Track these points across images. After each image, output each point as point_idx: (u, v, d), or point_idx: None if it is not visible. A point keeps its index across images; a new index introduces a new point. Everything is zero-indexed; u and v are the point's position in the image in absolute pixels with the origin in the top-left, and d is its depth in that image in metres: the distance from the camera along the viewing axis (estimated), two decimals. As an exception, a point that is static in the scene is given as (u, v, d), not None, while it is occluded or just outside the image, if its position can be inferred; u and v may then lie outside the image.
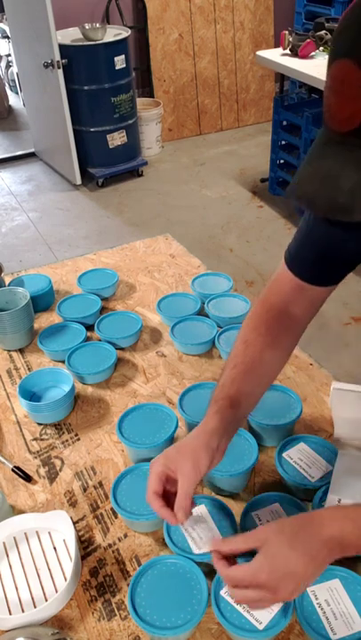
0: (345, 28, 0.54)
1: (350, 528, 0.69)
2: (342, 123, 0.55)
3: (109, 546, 0.93)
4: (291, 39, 3.31)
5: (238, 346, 0.90)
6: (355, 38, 0.52)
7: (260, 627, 0.76)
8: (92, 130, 4.00)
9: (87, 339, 1.34)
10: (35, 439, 1.13)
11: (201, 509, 0.91)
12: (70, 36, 3.87)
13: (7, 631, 0.80)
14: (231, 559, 0.75)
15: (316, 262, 0.86)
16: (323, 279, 0.87)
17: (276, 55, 3.39)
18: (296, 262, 0.88)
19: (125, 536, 0.94)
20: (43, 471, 1.06)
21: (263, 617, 0.77)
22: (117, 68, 3.84)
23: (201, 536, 0.87)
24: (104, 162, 4.14)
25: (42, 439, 1.13)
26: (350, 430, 1.06)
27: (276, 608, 0.78)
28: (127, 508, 0.93)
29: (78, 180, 4.12)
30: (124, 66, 3.87)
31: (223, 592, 0.81)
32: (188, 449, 0.80)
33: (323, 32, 3.30)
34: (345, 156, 0.56)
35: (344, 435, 1.06)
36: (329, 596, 0.80)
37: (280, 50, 3.42)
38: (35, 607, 0.84)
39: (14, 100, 5.90)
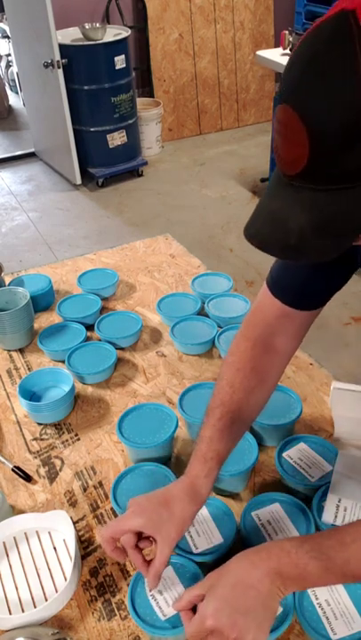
0: (289, 68, 0.53)
1: (287, 560, 0.68)
2: (288, 165, 0.54)
3: (109, 546, 0.93)
4: (291, 39, 3.31)
5: (225, 389, 0.86)
6: (296, 82, 0.51)
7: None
8: (92, 130, 4.00)
9: (87, 338, 1.34)
10: (35, 439, 1.13)
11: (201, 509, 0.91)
12: (70, 35, 3.87)
13: (7, 631, 0.80)
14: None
15: (301, 287, 0.83)
16: (309, 304, 0.84)
17: (276, 55, 3.39)
18: (279, 288, 0.85)
19: (125, 536, 0.94)
20: (43, 471, 1.06)
21: None
22: (117, 67, 3.84)
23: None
24: (104, 162, 4.14)
25: (42, 439, 1.13)
26: (350, 429, 1.06)
27: None
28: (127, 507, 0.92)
29: (78, 180, 4.12)
30: (124, 66, 3.87)
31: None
32: (178, 515, 0.76)
33: (323, 32, 3.29)
34: (293, 197, 0.55)
35: (344, 434, 1.06)
36: (329, 595, 0.80)
37: (280, 50, 3.42)
38: (35, 607, 0.84)
39: (14, 100, 5.90)
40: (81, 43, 3.77)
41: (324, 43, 0.49)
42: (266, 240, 0.59)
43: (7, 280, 1.51)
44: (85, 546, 0.93)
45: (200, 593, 0.72)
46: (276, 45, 3.93)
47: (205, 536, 0.87)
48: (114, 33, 3.91)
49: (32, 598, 0.85)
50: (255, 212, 0.62)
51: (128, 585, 0.84)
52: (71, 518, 0.93)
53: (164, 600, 0.80)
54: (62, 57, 3.62)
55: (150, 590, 0.79)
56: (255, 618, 0.67)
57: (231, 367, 0.87)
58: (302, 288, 0.83)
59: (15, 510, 0.99)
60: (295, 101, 0.51)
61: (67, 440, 1.12)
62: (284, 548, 0.69)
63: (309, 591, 0.80)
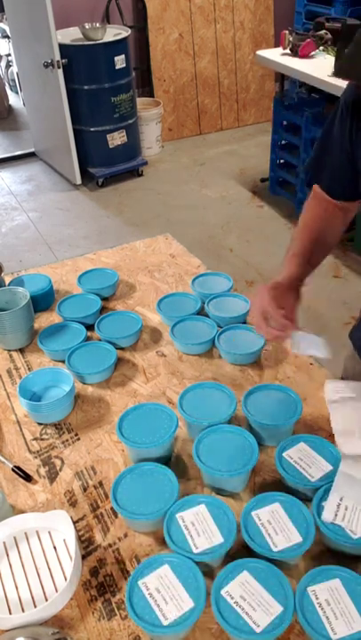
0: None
1: None
2: None
3: (109, 545, 0.93)
4: (291, 39, 3.31)
5: (303, 222, 1.19)
6: None
7: (258, 629, 0.76)
8: (92, 129, 4.01)
9: (87, 338, 1.34)
10: (35, 439, 1.13)
11: (201, 509, 0.91)
12: (70, 35, 3.87)
13: (7, 631, 0.80)
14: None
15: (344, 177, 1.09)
16: (350, 194, 1.12)
17: (276, 55, 3.39)
18: (331, 184, 1.13)
19: (125, 536, 0.94)
20: (43, 471, 1.06)
21: (262, 620, 0.77)
22: (117, 67, 3.84)
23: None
24: (104, 162, 4.14)
25: (42, 439, 1.13)
26: (347, 425, 1.07)
27: (275, 612, 0.78)
28: (127, 507, 0.93)
29: (78, 180, 4.12)
30: (124, 65, 3.88)
31: (223, 592, 0.81)
32: (287, 287, 1.10)
33: (323, 32, 3.30)
34: None
35: (342, 430, 1.06)
36: (329, 595, 0.80)
37: (280, 49, 3.42)
38: (35, 607, 0.84)
39: (14, 100, 5.90)
40: (81, 42, 3.77)
41: None
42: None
43: (7, 280, 1.51)
44: (85, 545, 0.93)
45: None
46: (277, 45, 3.93)
47: (205, 536, 0.87)
48: (114, 33, 3.92)
49: (32, 598, 0.85)
50: (347, 56, 0.81)
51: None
52: (71, 518, 0.93)
53: (163, 600, 0.80)
54: (62, 57, 3.63)
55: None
56: None
57: (306, 211, 1.20)
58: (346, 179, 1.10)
59: (15, 510, 0.99)
60: None
61: (67, 440, 1.12)
62: None
63: (310, 591, 0.80)
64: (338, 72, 0.84)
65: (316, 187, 1.19)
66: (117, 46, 3.80)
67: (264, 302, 1.07)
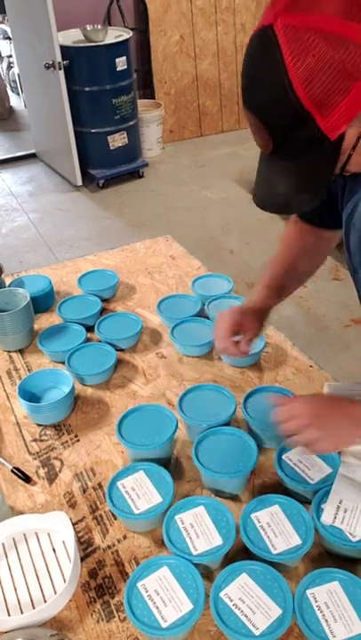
0: (242, 75, 0.72)
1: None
2: (264, 148, 0.75)
3: (108, 547, 0.93)
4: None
5: (279, 255, 1.17)
6: (245, 86, 0.71)
7: (257, 632, 0.76)
8: (92, 131, 4.01)
9: (87, 340, 1.34)
10: (34, 440, 1.13)
11: (200, 511, 0.91)
12: (72, 37, 3.87)
13: (6, 632, 0.80)
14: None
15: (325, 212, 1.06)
16: (330, 222, 1.08)
17: (277, 57, 3.39)
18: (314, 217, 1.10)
19: (125, 537, 0.94)
20: (42, 472, 1.06)
21: (261, 622, 0.77)
22: (118, 69, 3.84)
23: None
24: (105, 163, 4.14)
25: (41, 440, 1.13)
26: None
27: (274, 614, 0.78)
28: (124, 508, 0.92)
29: (79, 181, 4.12)
30: (126, 67, 3.88)
31: (222, 594, 0.81)
32: (251, 313, 1.13)
33: (324, 34, 3.29)
34: (273, 168, 0.76)
35: None
36: (328, 598, 0.80)
37: (281, 52, 3.42)
38: (34, 608, 0.83)
39: (15, 101, 5.91)
40: (82, 44, 3.78)
41: (255, 50, 0.69)
42: (265, 203, 0.79)
43: (7, 281, 1.51)
44: (85, 547, 0.93)
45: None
46: (277, 47, 3.93)
47: (205, 537, 0.87)
48: (115, 34, 3.92)
49: (31, 600, 0.85)
50: (256, 178, 0.81)
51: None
52: (70, 519, 0.93)
53: (162, 602, 0.80)
54: (63, 58, 3.63)
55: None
56: (342, 427, 0.86)
57: (285, 234, 1.18)
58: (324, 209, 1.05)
59: (14, 511, 0.99)
60: (250, 104, 0.71)
61: (66, 441, 1.12)
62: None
63: (309, 594, 0.80)
64: (258, 204, 0.80)
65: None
66: (119, 48, 3.80)
67: (224, 327, 1.10)
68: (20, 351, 1.36)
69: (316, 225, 1.10)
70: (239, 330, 1.11)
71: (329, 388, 1.13)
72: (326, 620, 0.77)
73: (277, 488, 0.99)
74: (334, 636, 0.76)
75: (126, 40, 3.84)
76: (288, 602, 0.79)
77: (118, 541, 0.93)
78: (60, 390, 1.21)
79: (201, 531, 0.88)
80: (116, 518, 0.97)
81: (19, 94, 5.73)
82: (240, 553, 0.89)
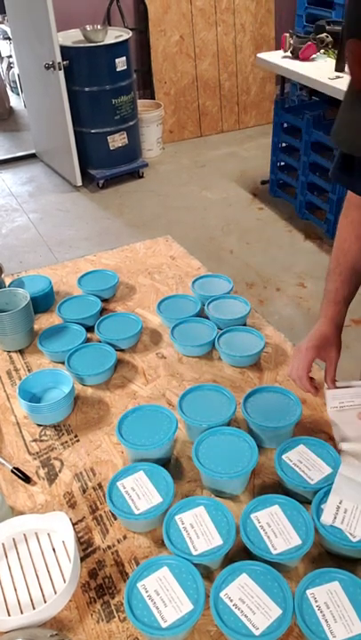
0: (353, 6, 0.68)
1: None
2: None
3: (108, 547, 0.93)
4: (292, 41, 3.32)
5: (340, 249, 1.14)
6: (356, 19, 0.68)
7: (257, 632, 0.76)
8: (92, 131, 4.01)
9: (87, 340, 1.34)
10: (34, 440, 1.13)
11: (200, 511, 0.91)
12: (71, 37, 3.87)
13: (6, 633, 0.80)
14: None
15: None
16: None
17: (276, 57, 3.40)
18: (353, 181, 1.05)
19: (124, 537, 0.94)
20: (42, 472, 1.06)
21: (261, 622, 0.77)
22: (118, 69, 3.85)
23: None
24: (105, 163, 4.14)
25: (41, 440, 1.13)
26: (347, 430, 1.06)
27: (274, 614, 0.78)
28: (124, 508, 0.93)
29: (79, 182, 4.13)
30: (125, 67, 3.88)
31: (222, 594, 0.81)
32: (331, 341, 1.15)
33: (323, 35, 3.30)
34: None
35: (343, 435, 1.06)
36: (328, 598, 0.80)
37: (281, 52, 3.43)
38: (33, 609, 0.83)
39: (15, 102, 5.91)
40: (82, 44, 3.78)
41: None
42: (352, 143, 0.76)
43: (7, 281, 1.51)
44: (84, 547, 0.93)
45: None
46: (277, 48, 3.94)
47: (205, 538, 0.87)
48: (115, 35, 3.92)
49: (31, 600, 0.85)
50: (337, 123, 0.78)
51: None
52: (70, 520, 0.93)
53: (162, 602, 0.80)
54: (63, 58, 3.63)
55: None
56: None
57: (340, 235, 1.15)
58: None
59: (14, 511, 0.99)
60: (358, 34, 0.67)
61: (66, 441, 1.12)
62: None
63: (309, 594, 0.80)
64: (343, 144, 0.79)
65: (349, 198, 1.13)
66: (118, 48, 3.81)
67: (300, 368, 1.11)
68: (20, 351, 1.36)
69: None
70: (309, 368, 1.12)
71: (329, 392, 1.12)
72: (326, 620, 0.77)
73: (277, 488, 0.99)
74: (334, 637, 0.76)
75: (126, 40, 3.84)
76: (288, 602, 0.79)
77: (118, 541, 0.94)
78: (59, 390, 1.21)
79: (201, 531, 0.88)
80: (116, 518, 0.97)
81: (19, 94, 5.73)
82: (240, 553, 0.89)
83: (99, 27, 3.87)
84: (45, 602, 0.84)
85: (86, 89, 3.85)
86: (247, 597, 0.80)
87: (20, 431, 1.15)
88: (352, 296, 1.15)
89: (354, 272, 1.13)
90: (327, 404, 1.10)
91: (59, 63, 3.61)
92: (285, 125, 3.68)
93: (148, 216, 3.83)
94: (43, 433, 1.14)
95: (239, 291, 1.51)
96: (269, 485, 1.01)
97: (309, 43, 3.26)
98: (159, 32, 4.46)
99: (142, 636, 0.80)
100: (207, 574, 0.87)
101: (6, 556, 0.91)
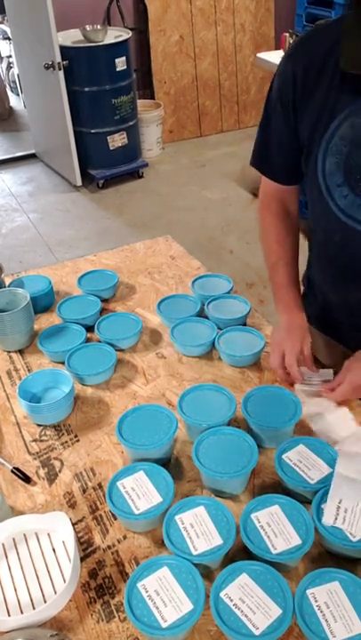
0: None
1: None
2: None
3: (108, 547, 0.93)
4: (292, 41, 3.31)
5: (274, 246, 1.25)
6: None
7: (257, 632, 0.76)
8: (92, 131, 4.01)
9: (87, 340, 1.34)
10: (34, 440, 1.13)
11: (200, 511, 0.91)
12: (71, 37, 3.88)
13: (6, 633, 0.80)
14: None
15: (289, 169, 1.14)
16: (295, 179, 1.17)
17: (276, 57, 3.40)
18: (274, 171, 1.21)
19: (125, 537, 0.94)
20: (42, 472, 1.06)
21: (261, 622, 0.77)
22: (118, 69, 3.85)
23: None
24: (104, 163, 4.14)
25: (41, 440, 1.13)
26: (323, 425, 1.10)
27: (274, 614, 0.78)
28: (124, 508, 0.92)
29: (79, 182, 4.13)
30: (125, 67, 3.88)
31: (222, 594, 0.81)
32: (305, 327, 1.19)
33: (323, 34, 3.30)
34: None
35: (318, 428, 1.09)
36: (328, 598, 0.80)
37: (281, 52, 3.43)
38: (33, 609, 0.83)
39: (15, 102, 5.91)
40: (82, 44, 3.78)
41: None
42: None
43: (7, 281, 1.51)
44: (85, 547, 0.93)
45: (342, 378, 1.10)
46: (277, 47, 3.94)
47: (205, 537, 0.87)
48: (115, 35, 3.92)
49: (31, 600, 0.85)
50: (349, 39, 0.85)
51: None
52: (70, 520, 0.93)
53: (162, 602, 0.80)
54: (63, 58, 3.63)
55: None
56: None
57: (271, 230, 1.25)
58: (290, 169, 1.15)
59: (14, 511, 0.99)
60: None
61: (66, 441, 1.12)
62: None
63: (309, 594, 0.80)
64: (352, 66, 0.85)
65: (266, 191, 1.27)
66: (118, 48, 3.81)
67: (292, 359, 1.16)
68: (20, 351, 1.36)
69: (285, 182, 1.20)
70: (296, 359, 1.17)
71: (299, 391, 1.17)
72: (326, 620, 0.77)
73: (277, 488, 0.99)
74: (334, 636, 0.76)
75: (126, 40, 3.84)
76: (288, 602, 0.79)
77: (118, 541, 0.93)
78: (59, 390, 1.21)
79: (201, 531, 0.88)
80: (116, 518, 0.97)
81: (18, 94, 5.73)
82: (240, 553, 0.89)
83: (98, 27, 3.87)
84: (45, 602, 0.84)
85: (86, 89, 3.85)
86: (247, 597, 0.80)
87: (20, 431, 1.15)
88: (298, 282, 1.26)
89: (295, 260, 1.25)
90: (296, 387, 1.17)
91: (58, 63, 3.61)
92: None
93: (148, 216, 3.83)
94: (43, 433, 1.14)
95: (239, 290, 1.51)
96: (269, 485, 1.01)
97: (309, 42, 3.26)
98: (159, 32, 4.46)
99: (142, 635, 0.80)
100: (207, 574, 0.87)
101: (6, 556, 0.91)
